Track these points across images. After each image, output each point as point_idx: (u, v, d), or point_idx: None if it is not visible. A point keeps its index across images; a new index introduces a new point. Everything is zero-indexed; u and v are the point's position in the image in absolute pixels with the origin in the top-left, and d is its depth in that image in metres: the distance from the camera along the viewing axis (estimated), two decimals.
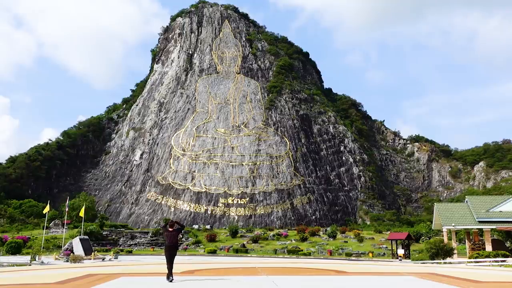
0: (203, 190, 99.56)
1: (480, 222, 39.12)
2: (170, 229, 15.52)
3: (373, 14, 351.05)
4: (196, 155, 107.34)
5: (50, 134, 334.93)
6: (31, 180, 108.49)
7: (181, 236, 70.13)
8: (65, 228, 63.01)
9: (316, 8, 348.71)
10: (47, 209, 49.94)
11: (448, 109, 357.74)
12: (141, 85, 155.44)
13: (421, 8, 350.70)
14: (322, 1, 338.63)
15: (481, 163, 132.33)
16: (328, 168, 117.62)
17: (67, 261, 34.68)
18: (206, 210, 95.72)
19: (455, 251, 40.21)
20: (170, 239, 15.27)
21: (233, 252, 58.25)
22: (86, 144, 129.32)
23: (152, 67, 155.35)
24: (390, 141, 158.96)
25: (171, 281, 14.55)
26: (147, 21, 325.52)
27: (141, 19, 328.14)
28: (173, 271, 15.21)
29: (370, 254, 53.42)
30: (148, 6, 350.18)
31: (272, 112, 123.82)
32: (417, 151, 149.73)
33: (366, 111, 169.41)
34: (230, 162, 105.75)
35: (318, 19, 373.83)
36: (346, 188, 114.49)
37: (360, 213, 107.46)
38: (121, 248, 61.80)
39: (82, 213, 52.98)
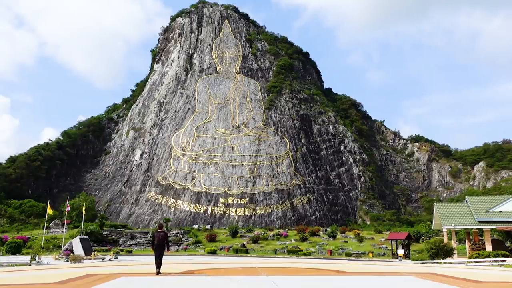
0: (203, 190, 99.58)
1: (480, 222, 39.12)
2: (159, 230, 17.66)
3: (376, 13, 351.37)
4: (196, 155, 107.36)
5: (50, 134, 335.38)
6: (31, 180, 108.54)
7: (181, 236, 70.14)
8: (65, 228, 63.05)
9: (319, 7, 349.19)
10: (50, 211, 49.77)
11: (449, 109, 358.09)
12: (141, 85, 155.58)
13: (424, 7, 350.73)
14: (325, 0, 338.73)
15: (481, 163, 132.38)
16: (328, 168, 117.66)
17: (67, 261, 34.67)
18: (206, 210, 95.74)
19: (455, 251, 40.20)
20: (158, 239, 17.28)
21: (233, 252, 58.24)
22: (86, 144, 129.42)
23: (152, 67, 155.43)
24: (390, 141, 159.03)
25: (157, 274, 16.96)
26: (150, 21, 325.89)
27: (144, 18, 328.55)
28: (173, 271, 15.63)
29: (370, 254, 53.40)
30: (150, 5, 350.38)
31: (272, 112, 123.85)
32: (417, 151, 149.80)
33: (366, 111, 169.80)
34: (230, 162, 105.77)
35: (320, 19, 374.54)
36: (346, 188, 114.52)
37: (360, 213, 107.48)
38: (121, 248, 61.81)
39: (83, 209, 52.99)
